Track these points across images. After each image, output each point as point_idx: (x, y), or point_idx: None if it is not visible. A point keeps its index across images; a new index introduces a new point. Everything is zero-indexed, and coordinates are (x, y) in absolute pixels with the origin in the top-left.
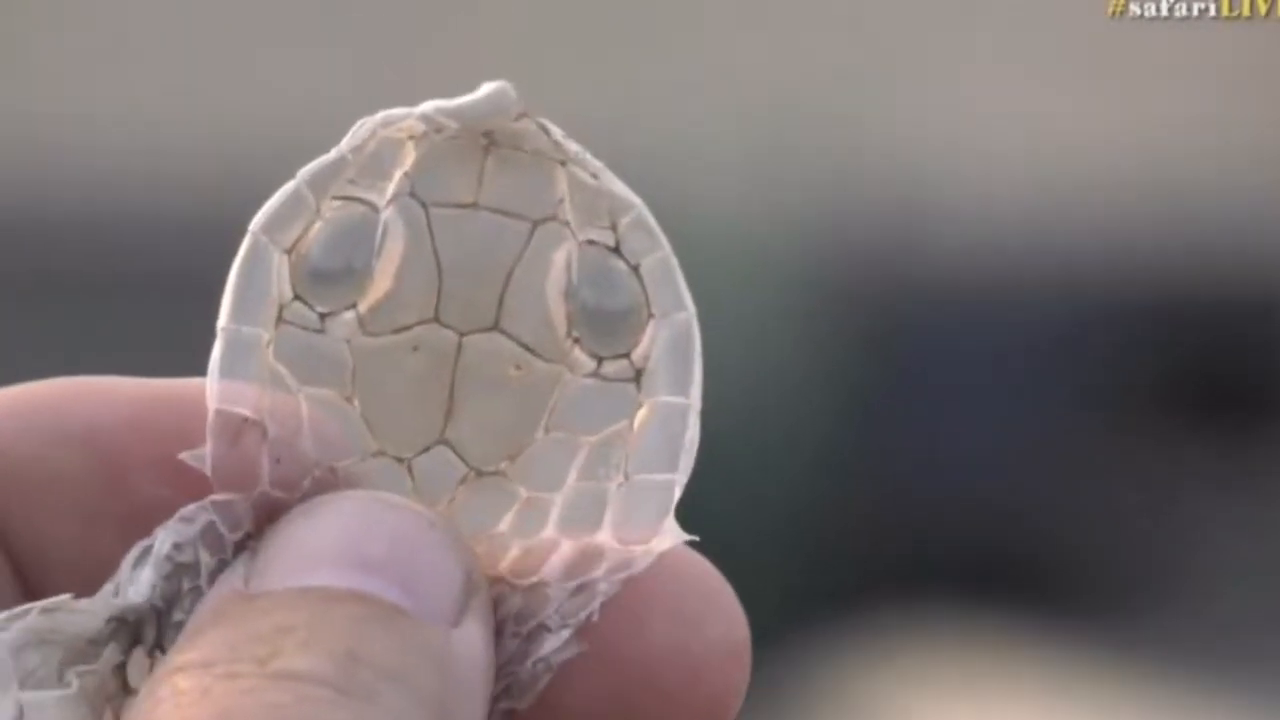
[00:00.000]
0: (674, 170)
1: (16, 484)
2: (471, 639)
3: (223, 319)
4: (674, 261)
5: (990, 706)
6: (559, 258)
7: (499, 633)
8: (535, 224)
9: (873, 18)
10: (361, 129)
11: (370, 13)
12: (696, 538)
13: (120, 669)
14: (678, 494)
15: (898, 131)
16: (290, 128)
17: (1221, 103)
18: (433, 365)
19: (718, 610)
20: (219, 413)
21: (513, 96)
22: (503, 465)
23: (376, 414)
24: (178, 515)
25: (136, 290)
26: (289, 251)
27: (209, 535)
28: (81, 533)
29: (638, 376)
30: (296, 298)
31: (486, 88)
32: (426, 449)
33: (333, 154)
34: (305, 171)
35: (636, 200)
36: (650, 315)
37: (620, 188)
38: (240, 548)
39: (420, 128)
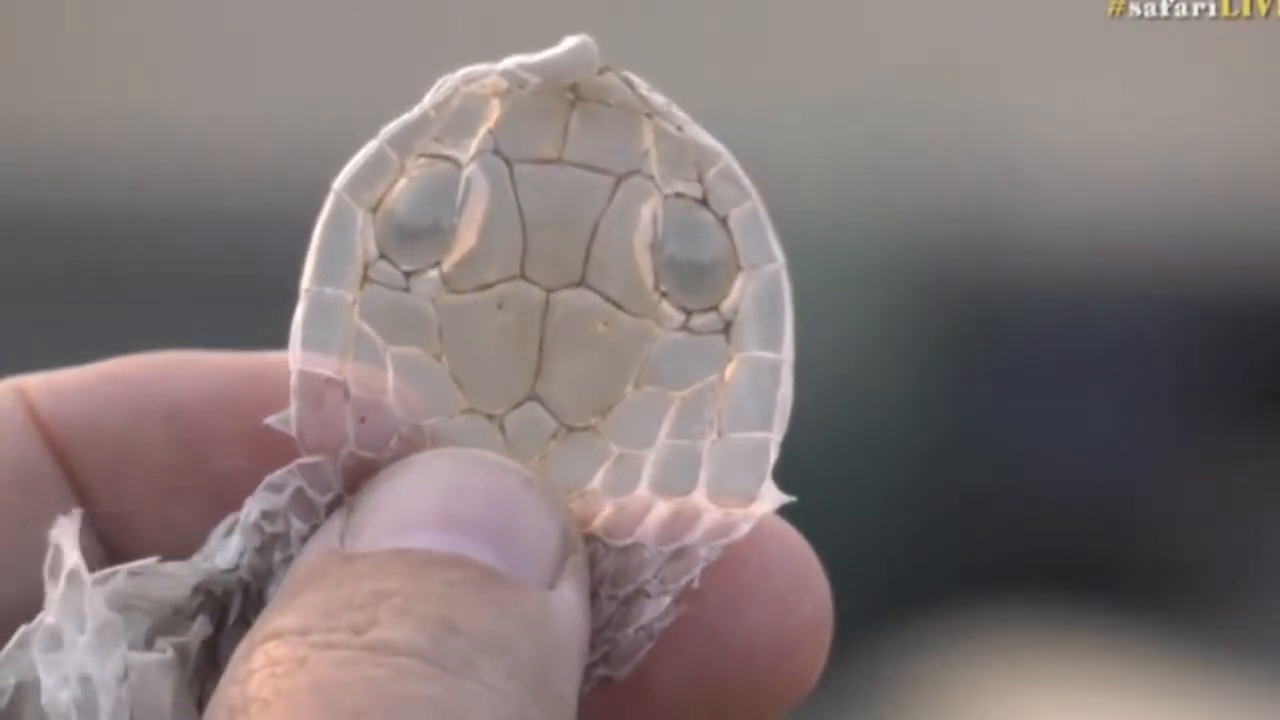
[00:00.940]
0: (768, 168)
1: (101, 458)
2: (568, 601)
3: (306, 280)
4: (763, 212)
5: (1081, 704)
6: (645, 211)
7: (594, 595)
8: (620, 178)
9: (944, 17)
10: (444, 86)
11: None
12: (794, 499)
13: (208, 644)
14: (774, 454)
15: (993, 128)
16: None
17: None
18: (520, 321)
19: (810, 588)
20: (302, 374)
21: (594, 50)
22: (593, 421)
23: (465, 371)
24: (265, 483)
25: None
26: (373, 210)
27: (299, 501)
28: (164, 506)
29: (727, 329)
30: (381, 256)
31: (568, 41)
32: (517, 405)
33: (415, 111)
34: (387, 130)
35: (723, 150)
36: (739, 267)
37: (707, 139)
38: (330, 512)
39: (503, 84)
